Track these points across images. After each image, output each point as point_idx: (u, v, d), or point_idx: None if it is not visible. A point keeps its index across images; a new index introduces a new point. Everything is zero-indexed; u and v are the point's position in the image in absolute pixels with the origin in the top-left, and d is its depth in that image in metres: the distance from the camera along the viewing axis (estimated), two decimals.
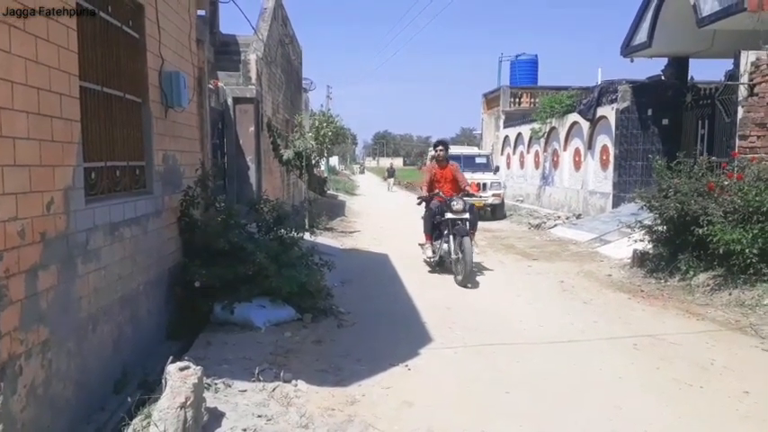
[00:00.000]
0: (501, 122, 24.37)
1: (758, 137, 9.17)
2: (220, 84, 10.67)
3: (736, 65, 9.63)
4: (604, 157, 15.13)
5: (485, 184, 16.68)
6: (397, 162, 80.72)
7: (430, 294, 7.16)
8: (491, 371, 4.55)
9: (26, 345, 2.85)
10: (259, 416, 3.46)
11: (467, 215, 8.06)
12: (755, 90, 9.25)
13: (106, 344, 3.83)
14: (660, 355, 4.92)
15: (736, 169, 7.95)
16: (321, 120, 13.59)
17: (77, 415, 3.35)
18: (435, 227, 8.51)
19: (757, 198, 6.70)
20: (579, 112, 16.22)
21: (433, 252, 8.55)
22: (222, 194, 8.45)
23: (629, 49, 13.52)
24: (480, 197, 15.49)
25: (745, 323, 5.83)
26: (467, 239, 7.64)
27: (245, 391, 3.81)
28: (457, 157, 14.24)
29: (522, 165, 21.92)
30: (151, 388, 3.63)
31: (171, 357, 3.42)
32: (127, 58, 4.38)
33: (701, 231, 6.96)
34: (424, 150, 64.02)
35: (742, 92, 9.50)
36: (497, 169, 18.97)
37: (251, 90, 11.10)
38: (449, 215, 8.05)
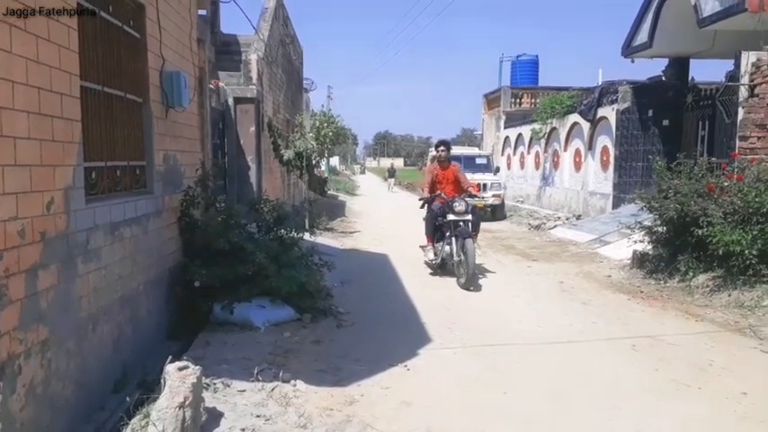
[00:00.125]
0: (501, 123, 24.37)
1: (758, 138, 9.17)
2: (221, 84, 10.68)
3: (737, 65, 9.63)
4: (605, 158, 15.13)
5: (485, 185, 16.70)
6: (398, 162, 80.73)
7: (429, 294, 7.17)
8: (490, 371, 4.56)
9: (25, 344, 2.85)
10: (258, 416, 3.46)
11: (469, 217, 7.94)
12: (756, 91, 9.25)
13: (106, 343, 3.84)
14: (659, 356, 4.93)
15: (736, 170, 7.95)
16: (322, 120, 13.60)
17: (77, 414, 3.36)
18: (437, 229, 8.39)
19: (757, 199, 6.71)
20: (580, 113, 16.22)
21: (435, 254, 8.42)
22: (222, 194, 8.46)
23: (629, 50, 13.52)
24: (480, 198, 15.50)
25: (744, 324, 5.84)
26: (469, 241, 7.52)
27: (244, 390, 3.82)
28: (457, 158, 14.21)
29: (522, 165, 21.92)
30: (150, 388, 3.64)
31: (170, 357, 3.42)
32: (128, 57, 4.39)
33: (700, 232, 6.96)
34: (424, 151, 63.98)
35: (742, 93, 9.50)
36: (498, 170, 18.99)
37: (252, 90, 11.11)
38: (451, 217, 7.94)
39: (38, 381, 2.96)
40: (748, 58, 9.36)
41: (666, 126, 13.77)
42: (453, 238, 7.88)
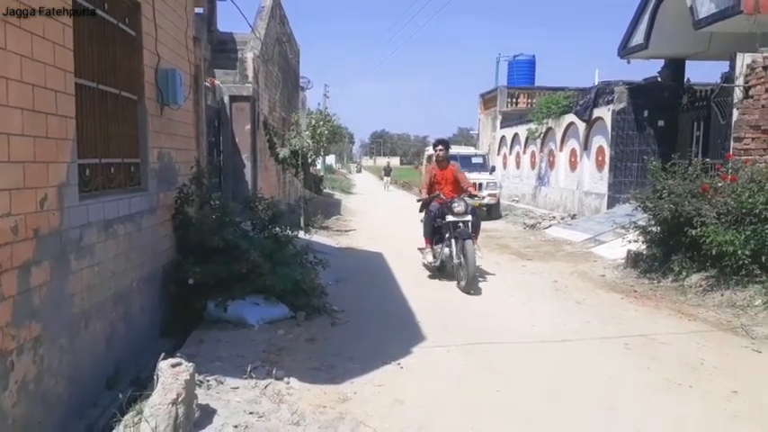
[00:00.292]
0: (498, 123, 24.41)
1: (752, 139, 9.22)
2: (217, 81, 10.67)
3: (732, 67, 9.67)
4: (600, 158, 15.17)
5: (481, 184, 16.72)
6: (395, 161, 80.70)
7: (423, 293, 7.18)
8: (483, 370, 4.58)
9: (18, 340, 2.86)
10: (251, 413, 3.47)
11: (469, 217, 7.70)
12: (750, 92, 9.30)
13: (99, 340, 3.84)
14: (651, 355, 4.95)
15: (730, 171, 7.99)
16: (318, 118, 13.60)
17: (69, 411, 3.36)
18: (436, 230, 8.13)
19: (750, 200, 6.74)
20: (576, 113, 16.26)
21: (434, 257, 8.14)
22: (217, 192, 8.44)
23: (626, 51, 13.58)
24: (478, 198, 15.52)
25: (736, 324, 5.87)
26: (469, 243, 7.25)
27: (238, 388, 3.82)
28: (453, 157, 14.24)
29: (518, 165, 21.97)
30: (143, 384, 3.64)
31: (163, 354, 3.43)
32: (123, 55, 4.39)
33: (694, 232, 7.00)
34: (421, 150, 63.96)
35: (737, 94, 9.54)
36: (494, 169, 19.03)
37: (247, 88, 11.10)
38: (450, 218, 7.70)
39: (30, 377, 2.96)
40: (743, 60, 9.41)
41: (662, 127, 13.82)
42: (453, 240, 7.63)
